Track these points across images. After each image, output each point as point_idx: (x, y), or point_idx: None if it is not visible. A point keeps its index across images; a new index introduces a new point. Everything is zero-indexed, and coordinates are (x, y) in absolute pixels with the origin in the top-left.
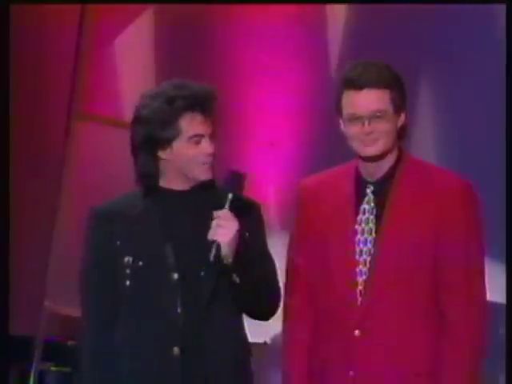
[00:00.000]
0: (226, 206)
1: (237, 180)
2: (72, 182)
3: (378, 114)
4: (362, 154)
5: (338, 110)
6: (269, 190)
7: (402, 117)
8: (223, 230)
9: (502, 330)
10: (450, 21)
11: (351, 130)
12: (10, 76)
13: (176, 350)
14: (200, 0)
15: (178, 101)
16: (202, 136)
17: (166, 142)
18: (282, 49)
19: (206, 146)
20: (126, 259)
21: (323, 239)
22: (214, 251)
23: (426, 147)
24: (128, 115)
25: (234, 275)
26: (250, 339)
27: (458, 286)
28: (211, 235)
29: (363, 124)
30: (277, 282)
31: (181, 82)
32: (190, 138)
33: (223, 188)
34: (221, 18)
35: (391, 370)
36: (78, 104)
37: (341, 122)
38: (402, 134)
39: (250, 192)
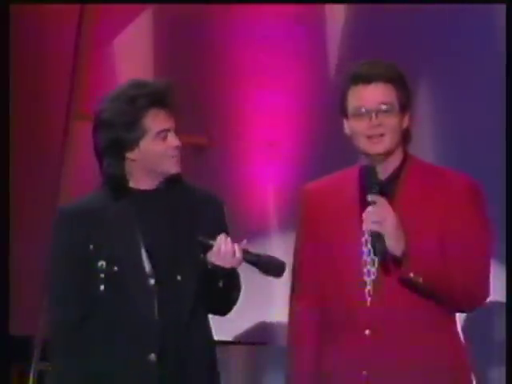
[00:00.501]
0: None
1: None
2: (71, 182)
3: (385, 107)
4: (370, 152)
5: (343, 108)
6: (268, 189)
7: (407, 118)
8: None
9: (502, 330)
10: (449, 21)
11: (358, 126)
12: (9, 76)
13: (153, 356)
14: (199, 0)
15: (139, 99)
16: (167, 131)
17: (134, 143)
18: (281, 49)
19: (173, 140)
20: (100, 263)
21: (331, 240)
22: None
23: (425, 147)
24: None
25: (221, 281)
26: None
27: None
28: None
29: (370, 118)
30: (239, 281)
31: (138, 81)
32: (157, 134)
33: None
34: (220, 18)
35: (404, 368)
36: (76, 104)
37: (345, 122)
38: (406, 137)
39: (249, 192)
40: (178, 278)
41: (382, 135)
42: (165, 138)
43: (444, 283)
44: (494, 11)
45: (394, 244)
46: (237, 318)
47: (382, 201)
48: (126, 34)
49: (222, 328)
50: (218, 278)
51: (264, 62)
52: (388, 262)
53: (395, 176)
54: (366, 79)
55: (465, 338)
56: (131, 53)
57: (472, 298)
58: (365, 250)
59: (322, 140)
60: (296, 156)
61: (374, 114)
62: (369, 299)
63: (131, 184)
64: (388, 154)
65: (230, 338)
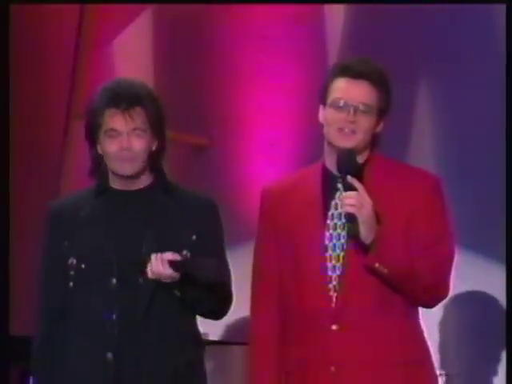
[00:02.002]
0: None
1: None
2: (71, 181)
3: (364, 107)
4: (338, 144)
5: (324, 95)
6: None
7: (381, 124)
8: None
9: (502, 330)
10: (449, 21)
11: (332, 117)
12: (9, 76)
13: (109, 355)
14: (199, 0)
15: (105, 94)
16: (115, 131)
17: (94, 133)
18: (281, 49)
19: (121, 141)
20: (70, 261)
21: (293, 237)
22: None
23: (425, 147)
24: None
25: (176, 290)
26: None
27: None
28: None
29: (348, 112)
30: (228, 288)
31: (119, 80)
32: (106, 132)
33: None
34: (220, 19)
35: (371, 362)
36: (76, 104)
37: (321, 110)
38: (376, 141)
39: (249, 192)
40: (140, 280)
41: (353, 132)
42: (113, 138)
43: (408, 277)
44: (493, 11)
45: (366, 231)
46: (230, 317)
47: (361, 187)
48: (126, 34)
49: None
50: (170, 289)
51: (264, 61)
52: (354, 254)
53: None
54: (354, 74)
55: (464, 338)
56: (131, 53)
57: (434, 294)
58: (329, 244)
59: (322, 140)
60: (296, 156)
61: (352, 110)
62: (334, 294)
63: (110, 183)
64: (355, 150)
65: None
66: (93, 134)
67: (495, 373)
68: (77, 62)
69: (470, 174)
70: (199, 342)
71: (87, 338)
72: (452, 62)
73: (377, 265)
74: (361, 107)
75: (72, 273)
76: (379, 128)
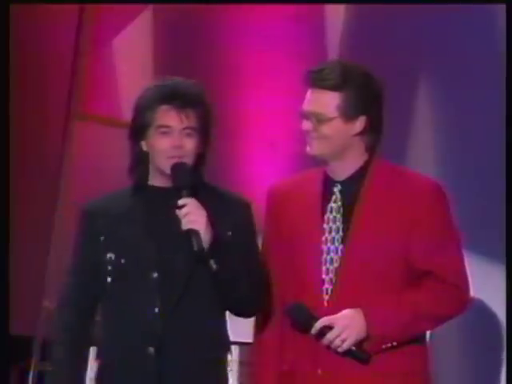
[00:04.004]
0: (184, 196)
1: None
2: (70, 182)
3: (323, 116)
4: (307, 152)
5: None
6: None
7: (361, 122)
8: (196, 217)
9: (503, 330)
10: (449, 21)
11: (302, 127)
12: (9, 76)
13: (151, 349)
14: (199, 0)
15: (159, 91)
16: (169, 128)
17: (142, 130)
18: (281, 48)
19: (172, 139)
20: (109, 256)
21: (291, 239)
22: (195, 240)
23: (425, 147)
24: (126, 115)
25: (212, 261)
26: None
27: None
28: (186, 225)
29: (312, 121)
30: (263, 283)
31: (174, 78)
32: (157, 128)
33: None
34: (220, 18)
35: (357, 368)
36: (76, 104)
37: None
38: (366, 140)
39: (248, 192)
40: (177, 272)
41: (312, 139)
42: (165, 135)
43: (419, 324)
44: (494, 11)
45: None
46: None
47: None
48: (126, 33)
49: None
50: (205, 259)
51: (264, 61)
52: (348, 257)
53: (358, 176)
54: (311, 83)
55: (464, 338)
56: (131, 53)
57: (457, 307)
58: (324, 248)
59: None
60: (296, 156)
61: (313, 118)
62: (326, 297)
63: (150, 181)
64: (324, 156)
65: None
66: (140, 130)
67: (495, 373)
68: (76, 61)
69: (470, 174)
70: (226, 343)
71: (127, 332)
72: (452, 62)
73: (384, 346)
74: (321, 117)
75: (110, 268)
76: (360, 126)
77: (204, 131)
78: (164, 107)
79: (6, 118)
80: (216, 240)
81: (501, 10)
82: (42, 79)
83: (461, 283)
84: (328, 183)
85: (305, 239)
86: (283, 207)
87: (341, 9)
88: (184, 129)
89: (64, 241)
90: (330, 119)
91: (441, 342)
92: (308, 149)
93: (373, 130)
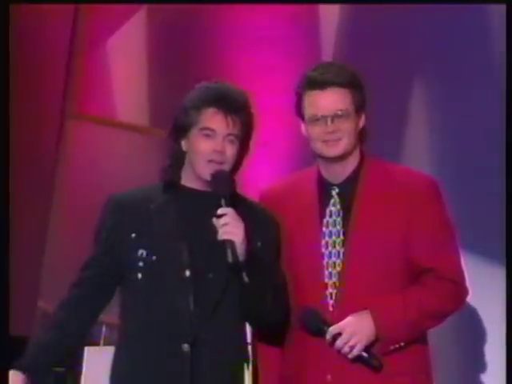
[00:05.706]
0: (223, 205)
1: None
2: (65, 182)
3: (341, 112)
4: (326, 155)
5: (300, 111)
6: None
7: (363, 118)
8: (233, 228)
9: (503, 330)
10: (449, 21)
11: (314, 131)
12: (9, 76)
13: (186, 346)
14: (194, 0)
15: (207, 93)
16: (213, 131)
17: (185, 129)
18: (277, 48)
19: (215, 143)
20: (140, 252)
21: (289, 243)
22: (230, 251)
23: (425, 147)
24: (121, 115)
25: (244, 274)
26: None
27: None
28: (223, 235)
29: (326, 123)
30: (286, 299)
31: (223, 82)
32: (201, 129)
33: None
34: (215, 18)
35: (367, 372)
36: (71, 104)
37: (302, 125)
38: (362, 136)
39: (247, 192)
40: (210, 275)
41: (338, 139)
42: (208, 138)
43: (424, 323)
44: (494, 11)
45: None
46: None
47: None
48: (120, 34)
49: None
50: (239, 270)
51: (260, 61)
52: (350, 261)
53: (353, 177)
54: (320, 85)
55: (464, 338)
56: (126, 53)
57: (457, 304)
58: (325, 251)
59: None
60: (289, 156)
61: (329, 120)
62: (331, 302)
63: (183, 181)
64: (345, 155)
65: None
66: (182, 128)
67: (495, 373)
68: (71, 61)
69: (469, 174)
70: (247, 352)
71: (160, 329)
72: (451, 62)
73: (392, 347)
74: (338, 114)
75: (141, 264)
76: (362, 123)
77: (245, 140)
78: (211, 109)
79: (6, 117)
80: (250, 253)
81: (501, 10)
82: (40, 79)
83: (459, 279)
84: (324, 186)
85: (304, 243)
86: (279, 212)
87: (335, 9)
88: (228, 135)
89: (58, 240)
90: (350, 114)
91: (441, 342)
92: (329, 151)
93: (364, 129)
